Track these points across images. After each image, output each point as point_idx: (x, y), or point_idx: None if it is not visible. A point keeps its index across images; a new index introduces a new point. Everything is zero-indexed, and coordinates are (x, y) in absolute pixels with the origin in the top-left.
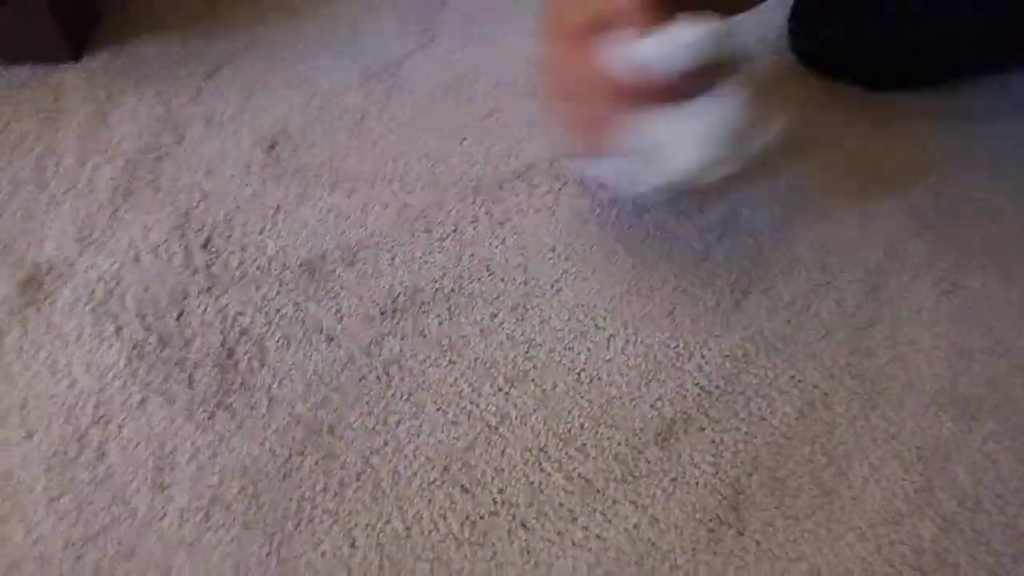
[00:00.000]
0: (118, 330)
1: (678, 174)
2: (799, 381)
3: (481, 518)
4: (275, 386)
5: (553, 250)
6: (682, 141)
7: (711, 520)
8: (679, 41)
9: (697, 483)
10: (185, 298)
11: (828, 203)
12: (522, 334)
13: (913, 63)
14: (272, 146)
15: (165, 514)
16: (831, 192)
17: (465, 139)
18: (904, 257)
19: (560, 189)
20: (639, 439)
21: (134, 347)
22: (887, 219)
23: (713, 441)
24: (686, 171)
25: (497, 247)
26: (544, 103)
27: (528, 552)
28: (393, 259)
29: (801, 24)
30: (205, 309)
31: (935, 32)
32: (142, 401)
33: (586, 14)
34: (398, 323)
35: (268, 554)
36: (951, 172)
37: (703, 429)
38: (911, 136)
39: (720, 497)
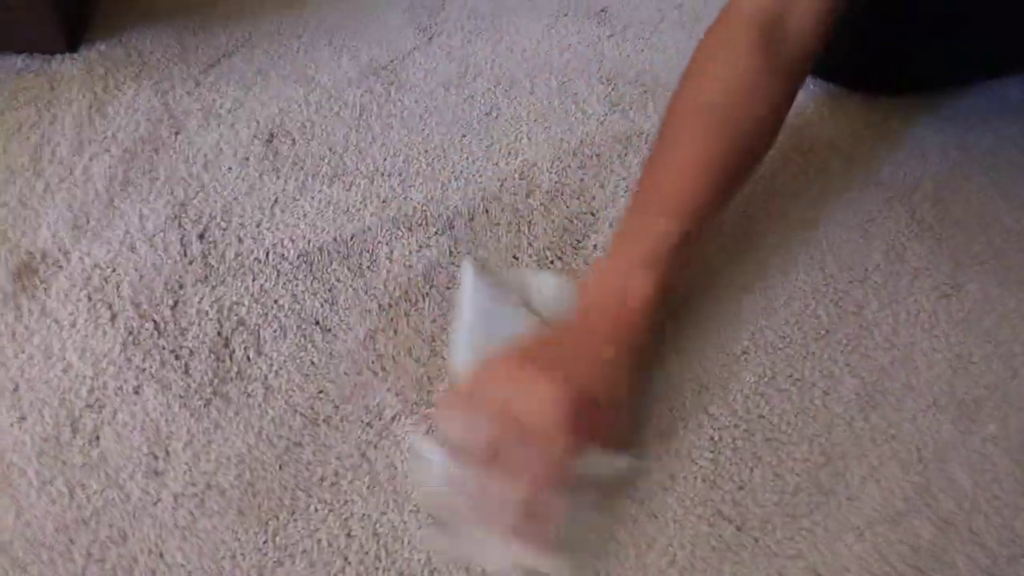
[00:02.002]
0: (113, 317)
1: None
2: (798, 380)
3: None
4: (271, 376)
5: (550, 249)
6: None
7: (711, 515)
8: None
9: (696, 479)
10: (181, 288)
11: (827, 206)
12: None
13: (913, 70)
14: (270, 139)
15: (159, 499)
16: (830, 195)
17: (464, 136)
18: (903, 260)
19: (562, 189)
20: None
21: (129, 334)
22: (886, 223)
23: (712, 438)
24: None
25: (493, 246)
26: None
27: None
28: (391, 253)
29: None
30: (201, 299)
31: (935, 40)
32: (137, 387)
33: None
34: (392, 318)
35: (264, 541)
36: (950, 178)
37: (702, 426)
38: (911, 141)
39: (720, 493)
